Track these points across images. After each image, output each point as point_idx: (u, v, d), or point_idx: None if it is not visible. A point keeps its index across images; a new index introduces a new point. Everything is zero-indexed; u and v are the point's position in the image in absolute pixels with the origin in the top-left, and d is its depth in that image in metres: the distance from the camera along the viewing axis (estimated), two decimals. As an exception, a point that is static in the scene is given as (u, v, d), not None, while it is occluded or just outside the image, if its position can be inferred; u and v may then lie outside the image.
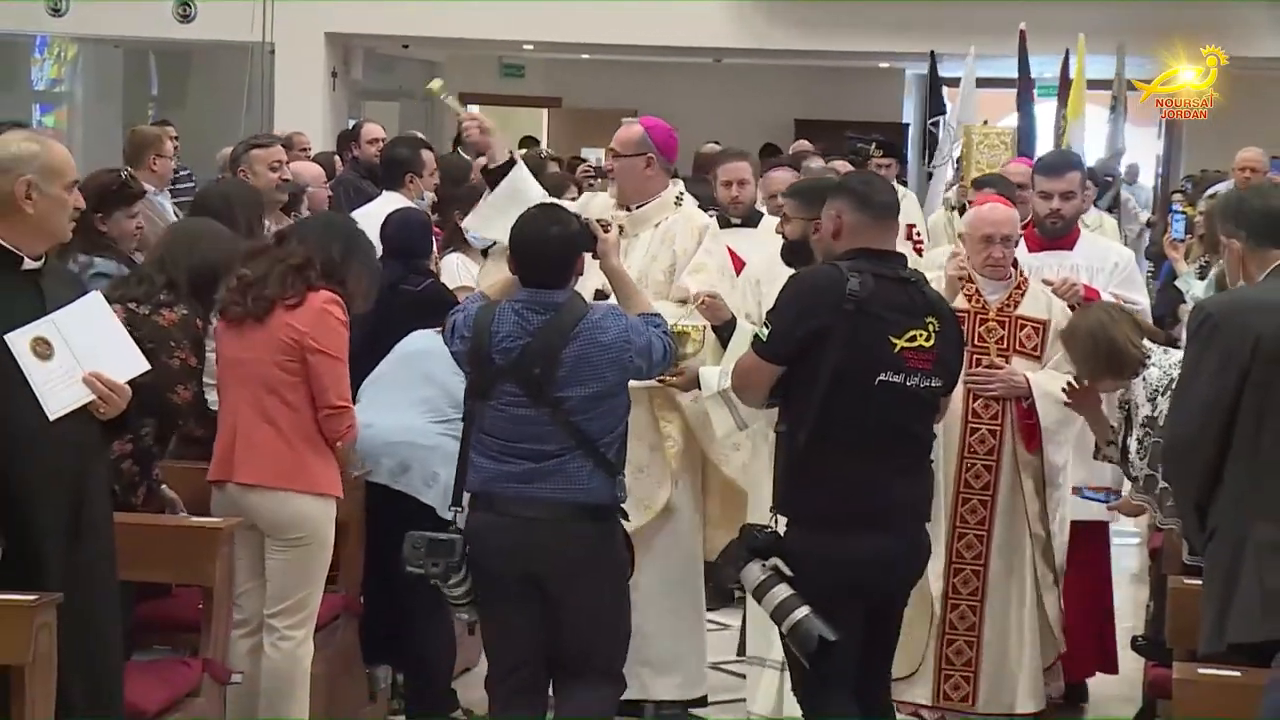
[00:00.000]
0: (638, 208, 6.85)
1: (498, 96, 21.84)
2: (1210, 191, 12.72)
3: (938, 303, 5.37)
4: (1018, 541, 6.44)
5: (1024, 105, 12.93)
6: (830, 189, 5.67)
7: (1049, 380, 6.32)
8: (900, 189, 11.96)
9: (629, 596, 5.64)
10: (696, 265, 6.72)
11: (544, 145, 17.74)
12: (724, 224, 7.89)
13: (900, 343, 5.14)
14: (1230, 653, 4.60)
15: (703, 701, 7.15)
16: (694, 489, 7.09)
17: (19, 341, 4.69)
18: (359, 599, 6.84)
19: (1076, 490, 6.83)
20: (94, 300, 4.95)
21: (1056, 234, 7.11)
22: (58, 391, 4.73)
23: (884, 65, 20.36)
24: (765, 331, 5.34)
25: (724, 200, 8.25)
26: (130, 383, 4.86)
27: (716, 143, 13.76)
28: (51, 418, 4.68)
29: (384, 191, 9.23)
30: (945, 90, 13.92)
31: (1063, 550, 6.63)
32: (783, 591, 5.09)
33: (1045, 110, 14.60)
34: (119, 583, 5.08)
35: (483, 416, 5.45)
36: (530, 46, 19.80)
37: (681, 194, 6.99)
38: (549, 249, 5.46)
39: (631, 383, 6.07)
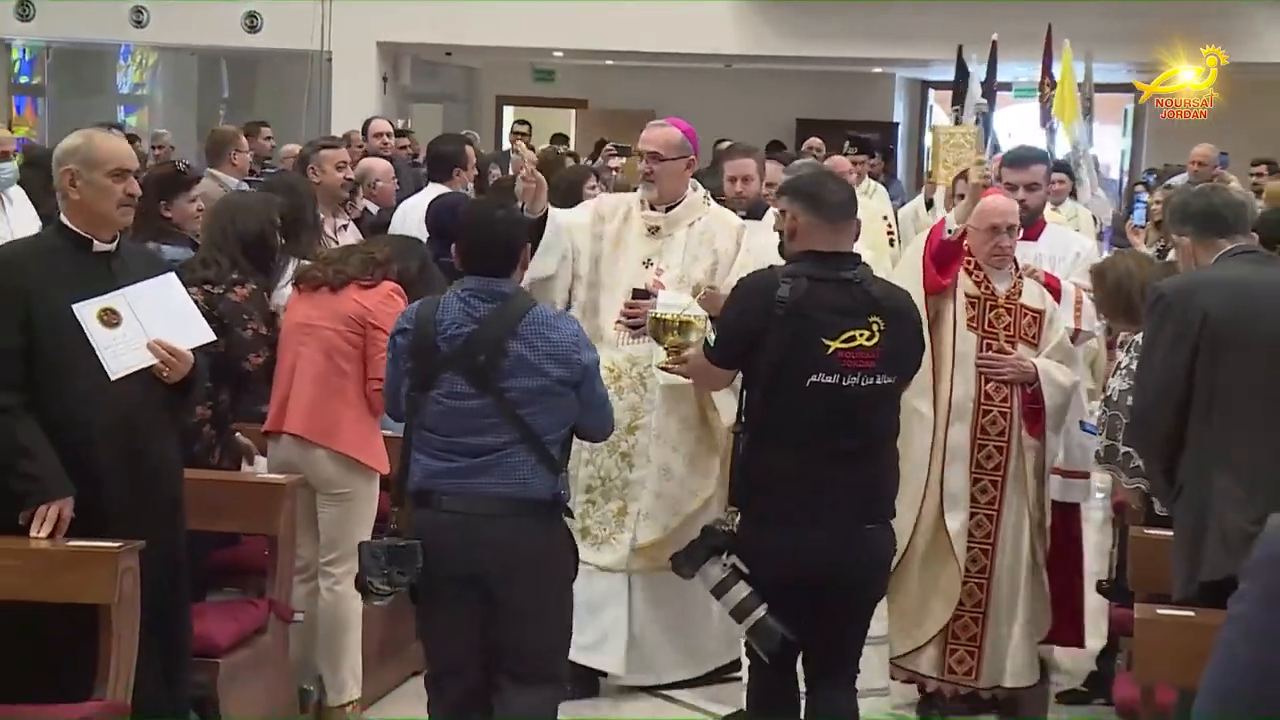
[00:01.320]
0: (670, 209, 6.29)
1: (531, 98, 21.84)
2: (1168, 183, 12.87)
3: (884, 299, 4.81)
4: (1020, 521, 6.05)
5: (990, 106, 12.74)
6: (784, 189, 5.17)
7: (1051, 367, 6.01)
8: (872, 184, 11.94)
9: (571, 596, 4.96)
10: (741, 265, 6.05)
11: (571, 142, 17.66)
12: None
13: (835, 344, 4.65)
14: (1201, 597, 4.56)
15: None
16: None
17: (86, 311, 4.87)
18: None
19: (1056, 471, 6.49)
20: (167, 279, 5.12)
21: (1022, 224, 6.35)
22: (121, 355, 4.91)
23: (877, 70, 20.30)
24: (713, 337, 5.00)
25: (729, 194, 7.71)
26: (207, 353, 5.12)
27: (728, 140, 13.67)
28: (112, 378, 4.86)
29: (430, 183, 9.21)
30: (933, 93, 13.76)
31: (1047, 530, 6.26)
32: (741, 590, 4.69)
33: (1027, 110, 14.45)
34: (187, 529, 5.12)
35: (424, 412, 4.77)
36: (560, 53, 19.77)
37: (708, 194, 6.48)
38: (496, 234, 4.85)
39: (649, 382, 5.94)
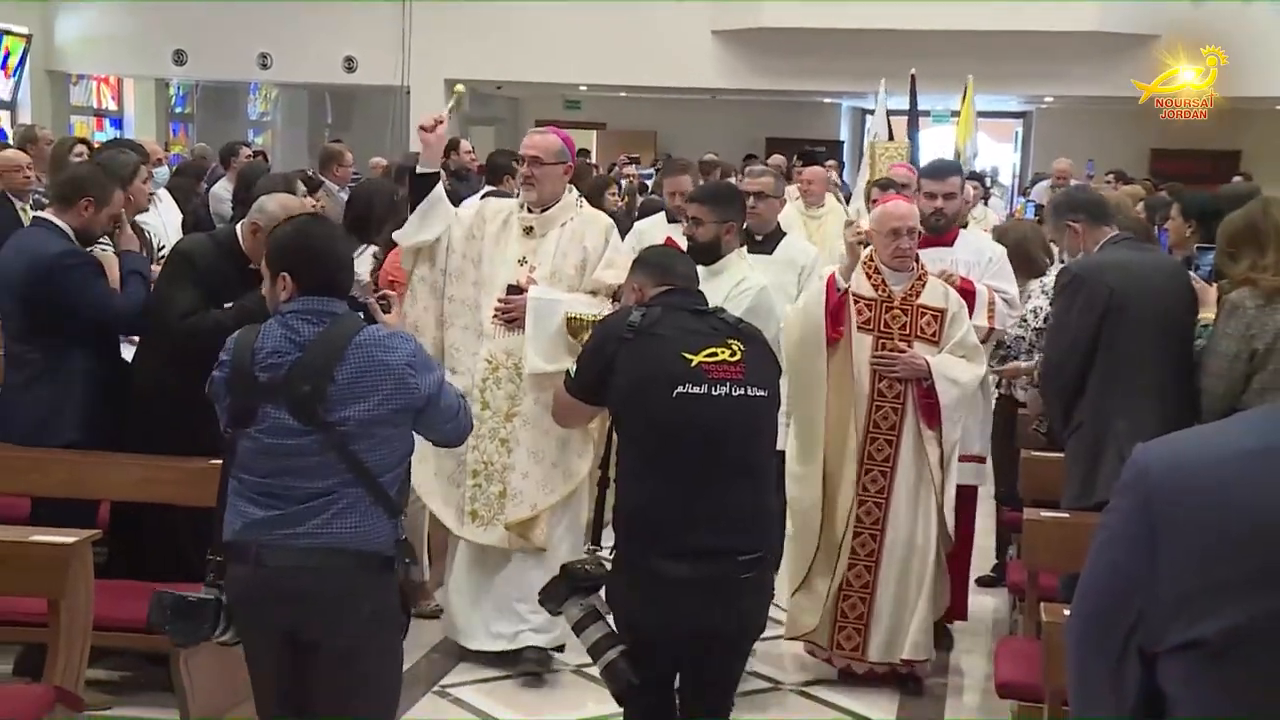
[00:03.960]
0: (545, 210, 5.18)
1: (561, 122, 21.57)
2: (1029, 184, 13.02)
3: (740, 326, 3.70)
4: (922, 509, 5.01)
5: (913, 128, 12.55)
6: (642, 257, 4.01)
7: (948, 363, 4.98)
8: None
9: (401, 656, 3.59)
10: (609, 260, 5.12)
11: (593, 155, 17.63)
12: (671, 219, 6.55)
13: (697, 358, 3.52)
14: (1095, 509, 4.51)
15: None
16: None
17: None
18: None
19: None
20: None
21: (939, 230, 5.59)
22: None
23: (826, 100, 20.21)
24: (573, 369, 3.82)
25: (670, 206, 6.95)
26: None
27: (715, 154, 13.63)
28: None
29: (486, 185, 9.22)
30: (867, 118, 13.65)
31: (952, 515, 5.15)
32: (597, 631, 3.57)
33: (947, 132, 14.32)
34: None
35: (242, 451, 3.28)
36: (584, 87, 19.64)
37: (580, 196, 5.40)
38: (320, 248, 3.39)
39: (552, 363, 4.81)
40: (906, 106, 11.86)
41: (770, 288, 5.13)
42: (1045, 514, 4.57)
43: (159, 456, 4.68)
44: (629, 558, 3.60)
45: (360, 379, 3.25)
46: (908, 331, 5.00)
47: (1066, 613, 3.68)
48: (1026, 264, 6.09)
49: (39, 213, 5.36)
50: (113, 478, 4.74)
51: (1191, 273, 5.01)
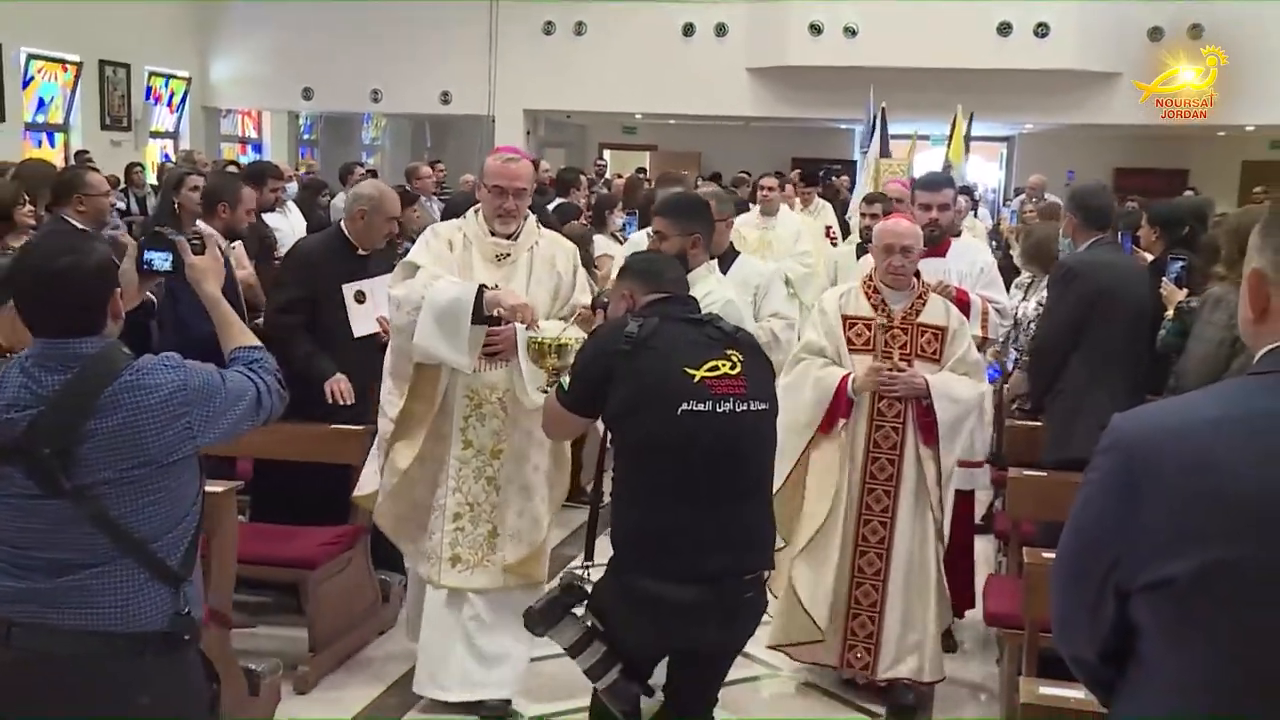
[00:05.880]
0: (513, 236, 4.15)
1: (620, 144, 21.70)
2: (1011, 196, 12.93)
3: (736, 334, 3.07)
4: (922, 526, 4.32)
5: (884, 151, 12.21)
6: (631, 264, 3.33)
7: (948, 382, 4.27)
8: (820, 202, 10.99)
9: None
10: (582, 285, 4.24)
11: (647, 172, 17.59)
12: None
13: (700, 373, 2.91)
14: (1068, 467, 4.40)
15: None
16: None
17: (348, 290, 4.89)
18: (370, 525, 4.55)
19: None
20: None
21: (933, 241, 4.89)
22: (362, 323, 4.88)
23: (842, 126, 20.02)
24: (565, 381, 3.16)
25: None
26: None
27: (747, 172, 13.52)
28: (355, 335, 4.86)
29: (557, 196, 9.25)
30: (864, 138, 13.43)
31: (948, 529, 4.45)
32: (595, 652, 2.96)
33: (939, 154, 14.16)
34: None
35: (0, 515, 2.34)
36: (639, 115, 19.53)
37: (538, 220, 4.36)
38: (61, 281, 2.33)
39: (540, 398, 3.70)
40: (897, 132, 11.66)
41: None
42: (1026, 472, 4.52)
43: (293, 423, 4.73)
44: (629, 579, 2.92)
45: (119, 433, 2.29)
46: (908, 351, 4.29)
47: (1045, 555, 3.67)
48: (1044, 260, 5.99)
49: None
50: (258, 439, 4.73)
51: (1165, 278, 4.91)
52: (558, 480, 4.26)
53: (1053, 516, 4.16)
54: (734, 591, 2.95)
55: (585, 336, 3.50)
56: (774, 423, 3.10)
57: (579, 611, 2.99)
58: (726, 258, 4.86)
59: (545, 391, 3.52)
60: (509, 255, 4.13)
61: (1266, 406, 1.44)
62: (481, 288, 3.94)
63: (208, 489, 2.34)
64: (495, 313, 3.94)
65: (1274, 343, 1.50)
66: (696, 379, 2.92)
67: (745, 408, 2.95)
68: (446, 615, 4.18)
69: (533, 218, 4.25)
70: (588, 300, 4.21)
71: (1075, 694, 2.70)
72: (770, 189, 8.16)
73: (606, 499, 3.29)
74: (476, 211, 4.18)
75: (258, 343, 2.68)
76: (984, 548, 6.09)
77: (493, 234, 4.13)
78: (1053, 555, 3.53)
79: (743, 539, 2.97)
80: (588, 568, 3.08)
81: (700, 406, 2.90)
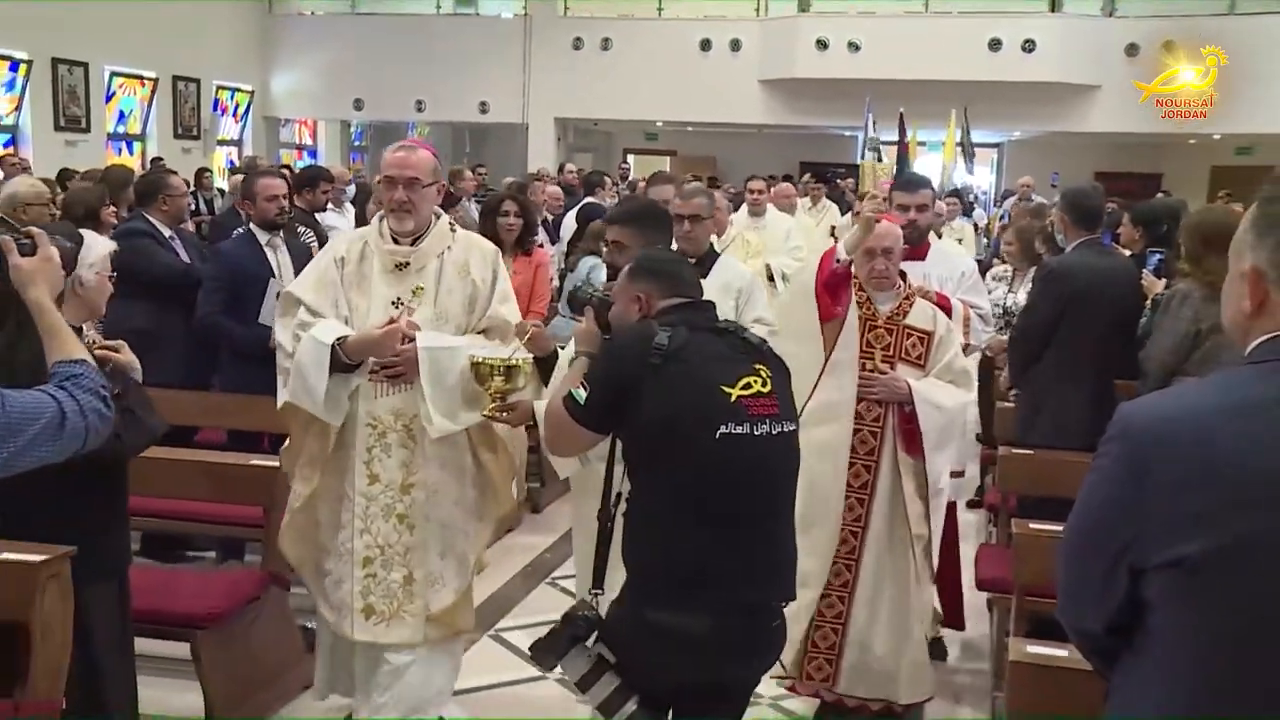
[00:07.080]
0: (417, 240, 3.31)
1: (643, 149, 21.62)
2: (1001, 198, 12.78)
3: (762, 346, 2.56)
4: (898, 540, 3.69)
5: (902, 154, 12.20)
6: (644, 263, 2.68)
7: (932, 388, 3.69)
8: (826, 202, 10.77)
9: None
10: (503, 294, 3.36)
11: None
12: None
13: (736, 391, 2.42)
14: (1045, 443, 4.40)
15: None
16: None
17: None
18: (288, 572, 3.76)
19: None
20: None
21: (912, 243, 4.20)
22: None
23: (846, 133, 19.89)
24: (582, 394, 2.50)
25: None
26: None
27: (759, 176, 13.38)
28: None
29: (585, 196, 9.28)
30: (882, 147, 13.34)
31: (937, 548, 3.82)
32: (609, 684, 2.45)
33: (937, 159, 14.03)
34: None
35: None
36: (660, 123, 19.45)
37: (452, 221, 3.43)
38: None
39: (457, 420, 3.16)
40: (897, 138, 11.59)
41: None
42: (1015, 450, 4.46)
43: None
44: (650, 614, 2.41)
45: None
46: (891, 353, 3.74)
47: (1034, 527, 3.63)
48: (1028, 252, 5.95)
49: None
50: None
51: (1145, 270, 4.85)
52: (490, 511, 3.41)
53: (1041, 492, 4.11)
54: (766, 622, 2.51)
55: (532, 357, 3.00)
56: (798, 443, 2.60)
57: (589, 643, 2.50)
58: (706, 260, 3.98)
59: (492, 418, 3.03)
60: (408, 264, 3.29)
61: (1264, 392, 1.43)
62: (336, 344, 3.18)
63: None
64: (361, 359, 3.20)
65: (1269, 333, 1.46)
66: (733, 398, 2.42)
67: (780, 430, 2.48)
68: (363, 671, 3.38)
69: (445, 219, 3.39)
70: (511, 313, 3.35)
71: (1061, 653, 2.65)
72: (758, 191, 7.94)
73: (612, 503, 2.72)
74: (382, 218, 3.36)
75: (84, 355, 2.08)
76: (976, 519, 6.05)
77: (395, 241, 3.32)
78: (1040, 527, 3.56)
79: (770, 568, 2.50)
80: (596, 595, 2.57)
81: (739, 429, 2.41)
